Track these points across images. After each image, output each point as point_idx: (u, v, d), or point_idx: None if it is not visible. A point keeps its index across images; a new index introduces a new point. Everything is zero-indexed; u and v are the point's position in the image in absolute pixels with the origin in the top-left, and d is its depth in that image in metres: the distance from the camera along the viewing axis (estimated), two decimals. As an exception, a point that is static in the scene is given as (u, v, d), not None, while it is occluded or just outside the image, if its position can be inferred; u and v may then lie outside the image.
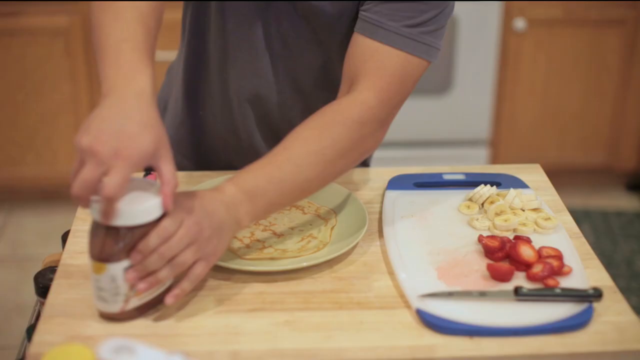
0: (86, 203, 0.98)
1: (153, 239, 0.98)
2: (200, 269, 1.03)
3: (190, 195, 1.04)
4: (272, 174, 1.09)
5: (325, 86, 1.35)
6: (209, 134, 1.44)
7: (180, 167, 1.10)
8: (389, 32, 1.16)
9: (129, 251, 0.99)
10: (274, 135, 1.38)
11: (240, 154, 1.42)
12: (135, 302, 1.03)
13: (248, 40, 1.31)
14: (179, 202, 1.01)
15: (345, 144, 1.14)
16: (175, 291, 1.02)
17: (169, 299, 1.02)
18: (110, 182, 0.94)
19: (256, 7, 1.28)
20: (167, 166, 0.99)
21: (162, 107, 1.50)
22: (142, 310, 1.05)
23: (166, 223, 0.99)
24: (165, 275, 1.01)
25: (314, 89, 1.36)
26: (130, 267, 1.00)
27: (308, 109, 1.25)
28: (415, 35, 1.17)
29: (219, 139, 1.44)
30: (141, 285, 1.01)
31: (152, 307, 1.05)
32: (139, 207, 0.98)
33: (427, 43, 1.18)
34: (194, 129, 1.45)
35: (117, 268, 1.00)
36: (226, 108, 1.39)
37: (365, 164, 1.53)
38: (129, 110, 0.99)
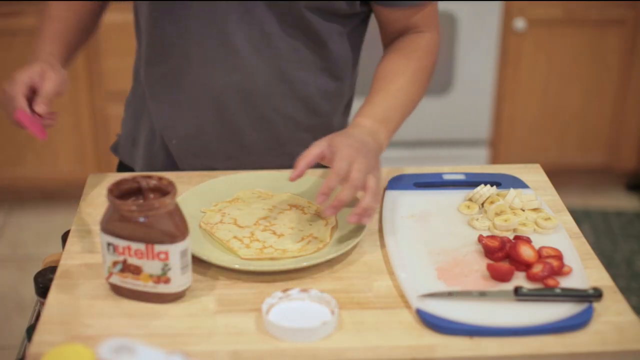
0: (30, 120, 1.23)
1: (333, 179, 1.13)
2: (374, 183, 1.16)
3: (343, 135, 1.21)
4: (393, 102, 1.32)
5: (311, 68, 1.37)
6: (197, 139, 1.44)
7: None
8: None
9: (114, 228, 1.05)
10: (263, 121, 1.40)
11: (228, 145, 1.43)
12: (115, 279, 1.08)
13: (218, 37, 1.33)
14: (340, 143, 1.17)
15: (429, 69, 1.41)
16: (368, 211, 1.14)
17: (365, 219, 1.14)
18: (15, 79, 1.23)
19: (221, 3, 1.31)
20: (48, 83, 1.24)
21: (131, 143, 1.52)
22: (120, 292, 1.09)
23: (340, 164, 1.14)
24: (370, 201, 1.14)
25: (300, 73, 1.38)
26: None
27: (293, 92, 1.38)
28: None
29: (206, 139, 1.44)
30: (353, 218, 1.14)
31: (133, 296, 1.08)
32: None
33: None
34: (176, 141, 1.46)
35: (103, 238, 1.06)
36: (210, 107, 1.39)
37: None
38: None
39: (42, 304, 1.16)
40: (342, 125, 1.49)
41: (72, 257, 1.17)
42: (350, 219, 1.14)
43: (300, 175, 1.17)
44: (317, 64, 1.38)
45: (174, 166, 1.47)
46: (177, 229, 1.05)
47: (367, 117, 1.28)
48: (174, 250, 1.04)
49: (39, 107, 1.22)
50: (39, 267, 1.24)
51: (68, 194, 2.96)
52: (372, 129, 1.26)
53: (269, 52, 1.34)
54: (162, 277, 1.05)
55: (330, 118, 1.45)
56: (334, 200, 1.14)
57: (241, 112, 1.39)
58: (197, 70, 1.36)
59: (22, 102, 1.22)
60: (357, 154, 1.16)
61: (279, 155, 1.44)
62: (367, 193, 1.15)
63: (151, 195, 1.09)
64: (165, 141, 1.45)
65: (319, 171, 1.40)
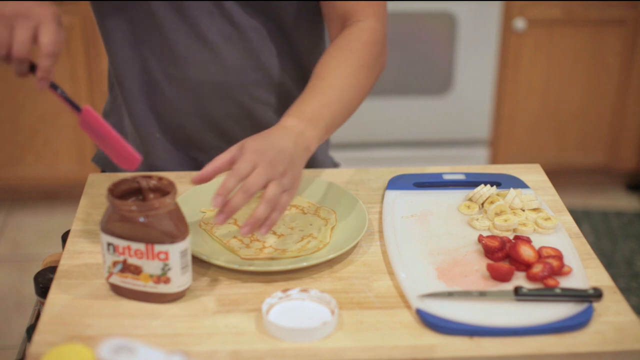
0: (23, 70, 1.11)
1: (231, 180, 1.07)
2: (285, 200, 1.10)
3: (259, 137, 1.13)
4: (323, 100, 1.22)
5: (284, 55, 1.39)
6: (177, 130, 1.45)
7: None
8: None
9: (113, 228, 1.05)
10: (242, 110, 1.41)
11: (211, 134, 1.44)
12: (115, 279, 1.08)
13: (190, 32, 1.33)
14: (249, 146, 1.11)
15: (370, 63, 1.30)
16: (267, 222, 1.08)
17: (263, 229, 1.08)
18: (48, 36, 1.08)
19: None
20: (46, 37, 1.08)
21: None
22: (120, 292, 1.09)
23: (240, 165, 1.08)
24: (262, 211, 1.07)
25: (273, 60, 1.38)
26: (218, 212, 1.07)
27: (272, 82, 1.39)
28: None
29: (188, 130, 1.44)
30: (245, 230, 1.07)
31: (133, 296, 1.08)
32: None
33: None
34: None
35: (103, 238, 1.06)
36: (188, 101, 1.40)
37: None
38: None
39: (42, 304, 1.16)
40: None
41: (72, 257, 1.17)
42: (241, 229, 1.07)
43: (204, 180, 1.11)
44: (286, 50, 1.39)
45: (157, 169, 1.47)
46: (177, 229, 1.05)
47: (293, 117, 1.19)
48: (174, 250, 1.04)
49: (40, 83, 1.11)
50: (39, 267, 1.24)
51: (68, 194, 2.97)
52: (296, 129, 1.16)
53: (241, 42, 1.36)
54: (162, 277, 1.05)
55: None
56: (226, 205, 1.06)
57: (219, 103, 1.40)
58: (172, 66, 1.37)
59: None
60: (262, 157, 1.09)
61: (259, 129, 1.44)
62: (262, 201, 1.08)
63: (151, 195, 1.09)
64: (148, 140, 1.45)
65: (320, 171, 1.40)
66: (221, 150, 1.42)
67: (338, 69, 1.27)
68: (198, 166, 1.46)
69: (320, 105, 1.22)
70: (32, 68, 1.11)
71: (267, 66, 1.39)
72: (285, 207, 1.11)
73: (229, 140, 1.43)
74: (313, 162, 1.50)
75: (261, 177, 1.08)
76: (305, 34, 1.41)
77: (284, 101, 1.43)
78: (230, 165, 1.11)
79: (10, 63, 1.11)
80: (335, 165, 1.59)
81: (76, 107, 1.13)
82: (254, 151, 1.10)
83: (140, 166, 1.38)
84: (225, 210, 1.06)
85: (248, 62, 1.38)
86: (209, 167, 1.10)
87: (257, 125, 1.43)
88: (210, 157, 1.41)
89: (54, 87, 1.12)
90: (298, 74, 1.43)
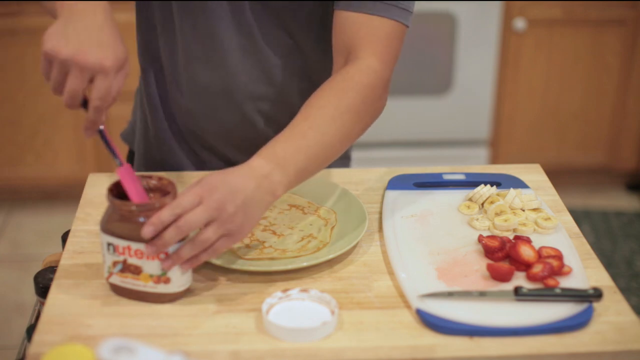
0: (74, 106, 1.05)
1: (166, 213, 1.01)
2: (222, 245, 1.04)
3: (217, 173, 1.06)
4: (298, 143, 1.12)
5: (295, 73, 1.37)
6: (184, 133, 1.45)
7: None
8: (375, 3, 1.22)
9: (113, 228, 1.05)
10: (245, 120, 1.40)
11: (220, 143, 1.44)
12: (115, 279, 1.08)
13: (210, 36, 1.33)
14: (203, 181, 1.04)
15: (360, 107, 1.19)
16: (193, 260, 1.04)
17: (185, 265, 1.04)
18: (101, 90, 1.03)
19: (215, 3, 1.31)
20: (119, 82, 1.05)
21: (132, 129, 1.54)
22: (119, 292, 1.09)
23: (182, 199, 1.01)
24: (187, 252, 1.02)
25: (284, 77, 1.37)
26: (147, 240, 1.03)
27: (279, 98, 1.36)
28: (395, 3, 1.24)
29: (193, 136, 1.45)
30: (165, 265, 1.03)
31: (133, 296, 1.08)
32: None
33: (405, 8, 1.25)
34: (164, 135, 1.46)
35: (103, 238, 1.06)
36: (198, 101, 1.40)
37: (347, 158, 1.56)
38: (100, 23, 1.05)
39: (42, 304, 1.16)
40: None
41: (72, 257, 1.17)
42: (163, 264, 1.04)
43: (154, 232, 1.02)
44: (298, 68, 1.37)
45: (170, 155, 1.47)
46: None
47: (262, 158, 1.09)
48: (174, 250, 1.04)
49: (86, 133, 1.08)
50: (39, 267, 1.24)
51: (68, 194, 2.97)
52: (262, 170, 1.08)
53: (255, 54, 1.34)
54: (162, 277, 1.05)
55: None
56: (158, 238, 1.02)
57: (225, 109, 1.39)
58: (185, 65, 1.37)
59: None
60: (210, 194, 1.02)
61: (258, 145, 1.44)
62: (190, 240, 1.03)
63: (151, 195, 1.09)
64: (160, 134, 1.46)
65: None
66: (229, 155, 1.43)
67: (323, 110, 1.16)
68: (210, 167, 1.46)
69: (295, 148, 1.12)
70: (85, 104, 1.07)
71: (276, 82, 1.37)
72: (219, 252, 1.04)
73: (237, 146, 1.44)
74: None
75: (201, 215, 1.01)
76: (318, 54, 1.38)
77: (290, 118, 1.41)
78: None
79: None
80: (346, 157, 1.57)
81: (117, 158, 1.09)
82: (204, 185, 1.03)
83: (156, 166, 1.37)
84: (156, 244, 1.01)
85: (258, 74, 1.36)
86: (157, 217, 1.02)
87: (261, 138, 1.41)
88: (219, 159, 1.44)
89: (101, 133, 1.09)
90: (308, 92, 1.37)
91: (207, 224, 1.02)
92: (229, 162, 1.44)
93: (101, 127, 1.08)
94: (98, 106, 1.04)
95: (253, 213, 1.06)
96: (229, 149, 1.44)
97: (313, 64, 1.38)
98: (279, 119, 1.39)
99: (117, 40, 1.06)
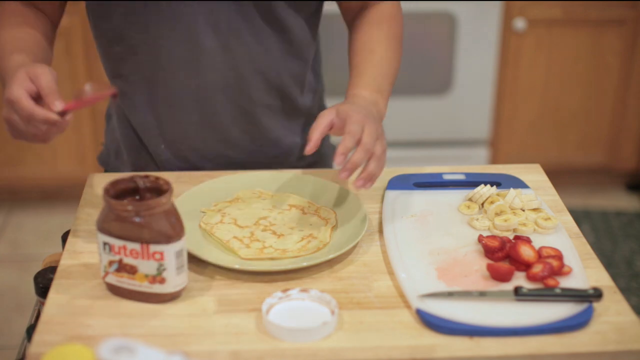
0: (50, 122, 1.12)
1: (349, 140, 1.17)
2: (380, 149, 1.21)
3: (351, 104, 1.26)
4: (380, 71, 1.37)
5: (275, 55, 1.39)
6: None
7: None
8: None
9: (109, 228, 1.05)
10: (243, 114, 1.42)
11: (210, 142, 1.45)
12: (111, 279, 1.08)
13: (187, 40, 1.33)
14: (348, 110, 1.21)
15: (399, 34, 1.45)
16: (373, 177, 1.19)
17: (369, 184, 1.19)
18: (42, 81, 1.13)
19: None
20: (41, 81, 1.13)
21: (114, 154, 1.54)
22: (116, 291, 1.09)
23: (353, 127, 1.18)
24: (376, 168, 1.19)
25: (267, 61, 1.39)
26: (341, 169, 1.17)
27: (266, 81, 1.39)
28: None
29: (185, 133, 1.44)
30: (343, 174, 1.17)
31: (129, 296, 1.08)
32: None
33: None
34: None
35: (100, 237, 1.06)
36: (190, 109, 1.40)
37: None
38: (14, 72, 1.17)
39: (42, 304, 1.16)
40: (315, 106, 1.50)
41: (72, 257, 1.17)
42: (356, 183, 1.18)
43: (316, 146, 1.20)
44: (283, 49, 1.40)
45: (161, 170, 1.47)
46: (172, 229, 1.05)
47: (363, 88, 1.32)
48: (169, 251, 1.04)
49: (56, 106, 1.12)
50: (39, 267, 1.24)
51: (68, 194, 2.97)
52: (371, 98, 1.31)
53: (238, 47, 1.35)
54: (158, 277, 1.05)
55: (301, 100, 1.47)
56: (348, 163, 1.17)
57: (221, 109, 1.40)
58: (171, 74, 1.37)
59: (44, 113, 1.13)
60: (366, 119, 1.20)
61: (262, 145, 1.46)
62: (372, 159, 1.19)
63: (148, 195, 1.09)
64: (151, 148, 1.45)
65: (320, 171, 1.40)
66: (224, 157, 1.44)
67: (380, 43, 1.40)
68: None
69: (379, 76, 1.36)
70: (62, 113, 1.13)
71: (264, 68, 1.39)
72: (384, 164, 1.22)
73: (233, 145, 1.44)
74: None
75: (372, 137, 1.18)
76: (302, 32, 1.40)
77: (283, 101, 1.44)
78: (329, 129, 1.22)
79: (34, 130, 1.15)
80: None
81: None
82: (356, 114, 1.21)
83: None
84: (348, 167, 1.17)
85: (248, 65, 1.37)
86: (315, 134, 1.19)
87: (259, 128, 1.44)
88: (213, 165, 1.43)
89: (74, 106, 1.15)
90: (296, 70, 1.43)
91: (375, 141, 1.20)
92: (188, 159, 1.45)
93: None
94: (48, 92, 1.12)
95: (382, 128, 1.25)
96: (227, 150, 1.44)
97: (298, 43, 1.41)
98: (275, 105, 1.44)
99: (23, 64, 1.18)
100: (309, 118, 1.44)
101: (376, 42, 1.40)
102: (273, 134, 1.45)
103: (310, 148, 1.19)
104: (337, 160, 1.16)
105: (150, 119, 1.42)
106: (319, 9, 1.44)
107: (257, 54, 1.37)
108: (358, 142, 1.18)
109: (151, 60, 1.37)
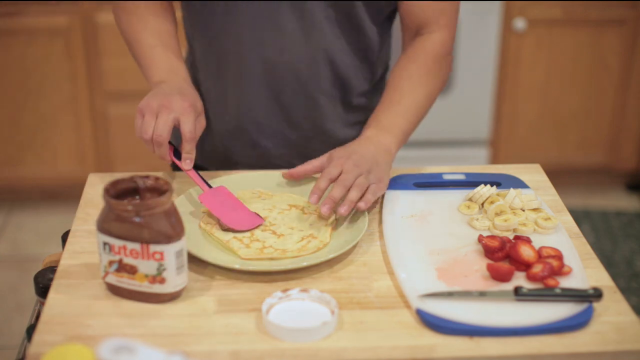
0: (164, 149, 1.27)
1: (322, 181, 1.23)
2: (374, 188, 1.25)
3: (343, 148, 1.30)
4: (396, 109, 1.39)
5: (346, 51, 1.45)
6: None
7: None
8: None
9: (110, 228, 1.05)
10: (308, 99, 1.48)
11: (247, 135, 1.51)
12: (111, 279, 1.08)
13: (270, 21, 1.40)
14: (336, 154, 1.28)
15: (437, 72, 1.44)
16: (365, 201, 1.22)
17: (362, 205, 1.22)
18: (187, 125, 1.27)
19: None
20: (198, 130, 1.30)
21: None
22: (116, 291, 1.09)
23: (329, 169, 1.25)
24: (355, 195, 1.22)
25: (339, 55, 1.45)
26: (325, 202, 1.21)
27: (334, 74, 1.46)
28: None
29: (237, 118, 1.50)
30: (324, 209, 1.21)
31: (129, 296, 1.08)
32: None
33: None
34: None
35: (100, 237, 1.06)
36: (260, 84, 1.46)
37: None
38: (183, 86, 1.34)
39: (42, 304, 1.16)
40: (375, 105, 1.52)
41: (72, 257, 1.17)
42: (338, 210, 1.21)
43: (293, 177, 1.32)
44: (355, 47, 1.46)
45: (222, 146, 1.54)
46: (172, 229, 1.05)
47: (371, 127, 1.36)
48: (169, 251, 1.04)
49: (185, 164, 1.28)
50: (39, 267, 1.24)
51: (68, 194, 2.97)
52: (375, 137, 1.34)
53: (316, 37, 1.42)
54: (157, 277, 1.05)
55: (362, 96, 1.53)
56: (326, 198, 1.21)
57: (288, 90, 1.46)
58: (248, 49, 1.43)
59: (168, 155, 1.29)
60: (347, 161, 1.25)
61: (320, 132, 1.51)
62: (352, 188, 1.22)
63: (148, 195, 1.09)
64: (216, 117, 1.51)
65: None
66: (285, 136, 1.50)
67: (410, 80, 1.41)
68: (261, 151, 1.52)
69: (395, 114, 1.38)
70: (175, 153, 1.31)
71: (335, 61, 1.45)
72: (371, 200, 1.24)
73: (295, 127, 1.50)
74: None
75: (350, 174, 1.24)
76: (373, 34, 1.46)
77: (346, 95, 1.50)
78: (318, 170, 1.30)
79: (151, 146, 1.27)
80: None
81: (208, 185, 1.29)
82: (340, 157, 1.27)
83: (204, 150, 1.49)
84: (327, 201, 1.21)
85: (318, 55, 1.44)
86: (299, 168, 1.31)
87: (319, 115, 1.49)
88: (274, 143, 1.50)
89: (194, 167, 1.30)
90: (365, 70, 1.49)
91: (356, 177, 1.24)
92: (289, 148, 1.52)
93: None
94: (189, 138, 1.27)
95: (382, 167, 1.29)
96: (289, 129, 1.50)
97: (369, 42, 1.47)
98: (339, 96, 1.49)
99: (196, 96, 1.33)
100: (367, 115, 1.46)
101: (404, 78, 1.42)
102: (330, 124, 1.50)
103: (288, 174, 1.32)
104: (311, 199, 1.22)
105: (219, 87, 1.49)
106: (391, 17, 1.50)
107: (331, 46, 1.43)
108: (335, 181, 1.24)
109: (232, 31, 1.43)
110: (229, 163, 1.54)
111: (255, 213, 1.26)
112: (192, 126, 1.27)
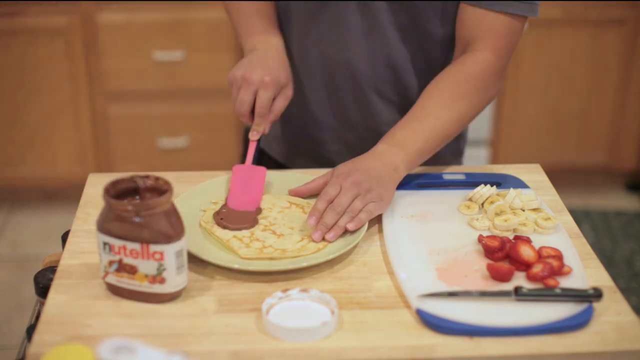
0: (248, 119, 1.34)
1: (320, 202, 1.21)
2: (373, 207, 1.22)
3: (349, 163, 1.27)
4: (415, 126, 1.31)
5: (409, 57, 1.44)
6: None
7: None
8: None
9: (110, 228, 1.05)
10: (364, 100, 1.47)
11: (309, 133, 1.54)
12: (111, 279, 1.08)
13: (335, 18, 1.41)
14: (338, 170, 1.26)
15: (473, 95, 1.34)
16: (356, 222, 1.19)
17: (351, 226, 1.19)
18: (261, 99, 1.31)
19: None
20: (281, 102, 1.34)
21: None
22: (116, 291, 1.09)
23: (327, 189, 1.22)
24: (345, 221, 1.19)
25: (401, 60, 1.44)
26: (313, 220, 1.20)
27: (394, 78, 1.45)
28: None
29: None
30: (315, 235, 1.19)
31: (129, 296, 1.08)
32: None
33: (529, 1, 1.34)
34: None
35: (100, 237, 1.06)
36: (320, 80, 1.47)
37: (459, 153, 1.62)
38: (271, 55, 1.37)
39: (42, 304, 1.16)
40: None
41: (72, 257, 1.17)
42: (327, 236, 1.19)
43: (299, 195, 1.30)
44: (417, 54, 1.44)
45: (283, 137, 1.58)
46: (172, 229, 1.05)
47: (383, 142, 1.30)
48: (169, 251, 1.04)
49: (252, 135, 1.33)
50: (39, 267, 1.24)
51: (68, 194, 2.97)
52: (384, 152, 1.28)
53: (379, 39, 1.41)
54: (157, 277, 1.05)
55: None
56: (318, 224, 1.20)
57: (346, 89, 1.47)
58: (312, 43, 1.44)
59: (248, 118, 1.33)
60: (346, 180, 1.22)
61: (374, 135, 1.48)
62: (345, 213, 1.20)
63: (148, 195, 1.09)
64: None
65: (321, 171, 1.40)
66: (339, 132, 1.51)
67: (438, 99, 1.33)
68: (312, 142, 1.54)
69: (412, 131, 1.30)
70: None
71: (396, 66, 1.44)
72: (373, 214, 1.21)
73: (352, 127, 1.50)
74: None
75: (346, 197, 1.20)
76: (439, 41, 1.43)
77: (404, 101, 1.48)
78: (322, 187, 1.27)
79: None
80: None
81: (253, 162, 1.33)
82: (340, 175, 1.24)
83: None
84: (319, 227, 1.19)
85: (380, 57, 1.42)
86: (305, 186, 1.30)
87: (375, 117, 1.49)
88: (330, 138, 1.52)
89: (258, 142, 1.35)
90: (427, 78, 1.42)
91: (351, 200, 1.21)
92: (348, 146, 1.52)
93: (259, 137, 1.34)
94: (260, 113, 1.31)
95: (386, 184, 1.24)
96: (343, 128, 1.51)
97: (434, 52, 1.44)
98: (397, 101, 1.48)
99: (281, 67, 1.35)
100: None
101: (435, 97, 1.33)
102: (385, 127, 1.47)
103: (292, 191, 1.31)
104: (309, 222, 1.20)
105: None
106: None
107: (393, 51, 1.42)
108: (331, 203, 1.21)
109: (296, 23, 1.45)
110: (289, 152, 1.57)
111: (259, 207, 1.28)
112: (265, 101, 1.30)
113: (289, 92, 1.36)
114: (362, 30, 1.41)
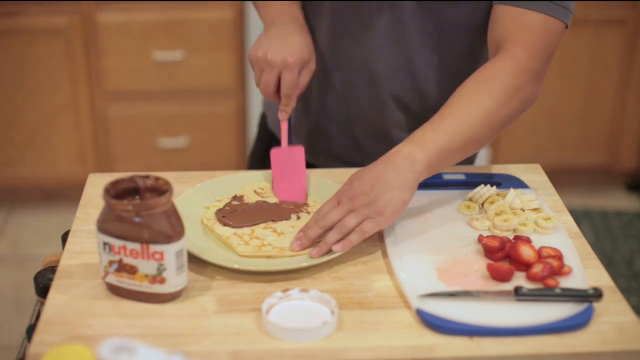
0: (274, 99, 1.34)
1: (312, 219, 1.18)
2: (368, 226, 1.16)
3: (357, 171, 1.20)
4: (437, 124, 1.21)
5: (430, 62, 1.41)
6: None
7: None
8: None
9: (110, 228, 1.05)
10: (379, 102, 1.45)
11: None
12: (111, 279, 1.08)
13: (357, 13, 1.39)
14: (345, 184, 1.20)
15: (501, 94, 1.24)
16: (344, 242, 1.15)
17: (337, 247, 1.14)
18: (286, 81, 1.31)
19: None
20: (305, 77, 1.33)
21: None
22: (116, 291, 1.09)
23: (323, 204, 1.19)
24: (334, 238, 1.15)
25: (421, 65, 1.41)
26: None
27: (412, 82, 1.42)
28: (553, 1, 1.29)
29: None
30: (313, 253, 1.15)
31: (129, 296, 1.08)
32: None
33: (564, 6, 1.30)
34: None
35: (100, 237, 1.06)
36: (337, 76, 1.46)
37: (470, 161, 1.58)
38: (291, 31, 1.34)
39: (42, 304, 1.16)
40: None
41: (72, 257, 1.17)
42: (310, 253, 1.16)
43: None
44: (440, 62, 1.41)
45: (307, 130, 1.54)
46: (172, 229, 1.05)
47: (406, 142, 1.20)
48: (169, 251, 1.04)
49: (280, 115, 1.34)
50: (39, 267, 1.24)
51: (68, 194, 2.97)
52: (399, 153, 1.18)
53: (400, 40, 1.39)
54: (157, 277, 1.05)
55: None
56: (302, 236, 1.18)
57: (362, 86, 1.44)
58: (335, 38, 1.43)
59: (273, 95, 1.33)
60: (342, 195, 1.18)
61: (383, 136, 1.48)
62: (333, 229, 1.16)
63: (148, 195, 1.09)
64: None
65: (321, 171, 1.40)
66: (348, 127, 1.50)
67: (464, 97, 1.23)
68: (320, 135, 1.53)
69: (433, 129, 1.20)
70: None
71: (416, 70, 1.41)
72: (367, 233, 1.16)
73: (361, 123, 1.48)
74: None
75: (337, 211, 1.16)
76: (465, 49, 1.41)
77: (423, 110, 1.44)
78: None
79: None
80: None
81: (289, 142, 1.35)
82: (341, 191, 1.19)
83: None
84: (299, 237, 1.17)
85: (399, 59, 1.40)
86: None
87: (387, 119, 1.46)
88: (338, 131, 1.50)
89: (289, 121, 1.35)
90: (447, 90, 1.34)
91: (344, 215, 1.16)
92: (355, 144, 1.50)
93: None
94: (286, 94, 1.31)
95: (395, 194, 1.16)
96: (360, 127, 1.49)
97: (456, 61, 1.41)
98: (410, 105, 1.45)
99: (303, 43, 1.32)
100: None
101: (462, 97, 1.24)
102: (395, 131, 1.47)
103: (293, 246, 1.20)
104: (292, 246, 1.17)
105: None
106: (484, 34, 1.37)
107: (413, 54, 1.39)
108: (320, 219, 1.18)
109: (322, 18, 1.42)
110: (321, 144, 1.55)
111: (305, 192, 1.29)
112: (290, 82, 1.30)
113: (312, 66, 1.34)
114: (386, 30, 1.38)
